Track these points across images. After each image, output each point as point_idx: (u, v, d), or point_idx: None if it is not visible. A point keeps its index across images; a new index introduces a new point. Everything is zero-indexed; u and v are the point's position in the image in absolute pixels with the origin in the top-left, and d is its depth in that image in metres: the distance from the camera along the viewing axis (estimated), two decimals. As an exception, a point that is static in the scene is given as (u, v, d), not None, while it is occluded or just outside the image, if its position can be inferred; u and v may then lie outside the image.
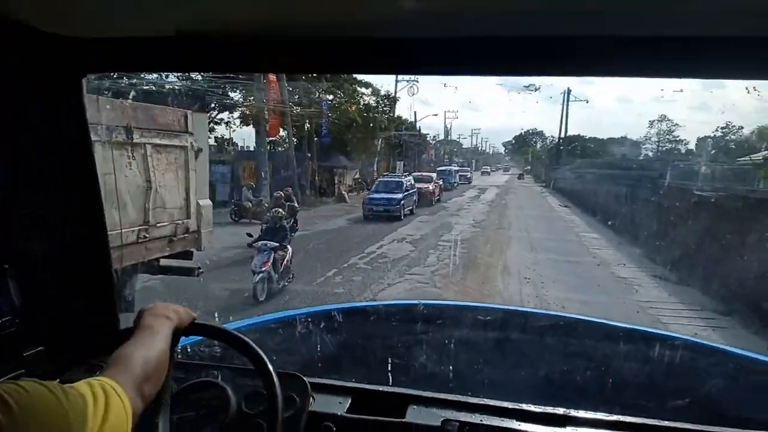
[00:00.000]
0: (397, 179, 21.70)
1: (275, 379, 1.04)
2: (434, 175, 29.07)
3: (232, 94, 24.00)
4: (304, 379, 1.22)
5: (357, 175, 30.37)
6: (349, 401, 1.31)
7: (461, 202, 26.81)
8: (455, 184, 36.73)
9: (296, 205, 15.63)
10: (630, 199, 17.05)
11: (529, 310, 2.89)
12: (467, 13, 0.97)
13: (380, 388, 1.39)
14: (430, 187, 25.02)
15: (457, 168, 44.28)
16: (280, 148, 27.16)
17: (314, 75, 24.09)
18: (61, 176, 1.34)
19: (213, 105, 28.24)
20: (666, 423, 1.24)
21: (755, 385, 1.81)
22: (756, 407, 1.61)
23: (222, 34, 1.11)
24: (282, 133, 24.12)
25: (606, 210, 18.80)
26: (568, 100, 44.12)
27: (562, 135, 46.72)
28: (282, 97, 22.15)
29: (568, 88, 44.05)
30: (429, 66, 1.18)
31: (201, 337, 1.37)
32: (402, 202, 19.47)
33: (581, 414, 1.25)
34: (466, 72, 1.22)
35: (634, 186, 17.17)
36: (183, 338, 1.07)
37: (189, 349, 1.57)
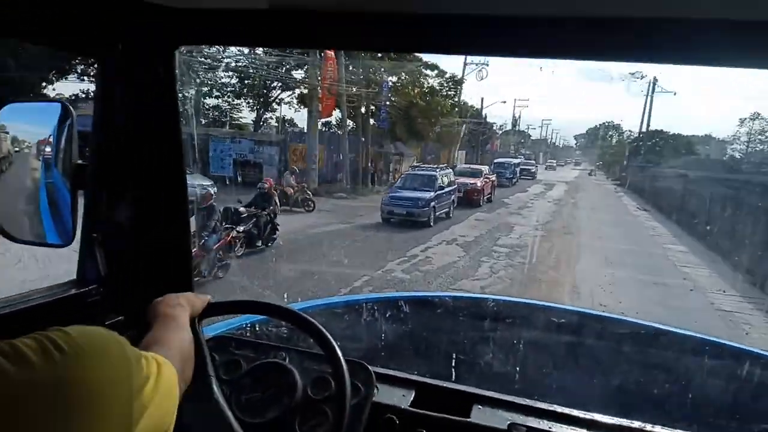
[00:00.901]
0: (429, 173, 16.84)
1: (345, 367, 1.03)
2: (485, 168, 23.69)
3: (294, 73, 23.14)
4: (370, 368, 1.19)
5: (414, 162, 28.63)
6: (413, 394, 1.29)
7: (524, 199, 24.39)
8: (514, 180, 32.33)
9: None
10: (723, 206, 14.58)
11: (606, 314, 2.55)
12: None
13: (445, 384, 1.35)
14: (478, 184, 20.13)
15: (518, 161, 38.46)
16: (336, 131, 25.93)
17: (388, 54, 22.83)
18: (149, 149, 1.34)
19: (274, 84, 27.69)
20: None
21: None
22: None
23: (315, 7, 1.11)
24: (337, 114, 22.71)
25: (694, 218, 16.29)
26: (653, 91, 40.27)
27: (644, 129, 42.81)
28: (339, 75, 20.80)
29: (654, 78, 40.19)
30: (505, 47, 1.13)
31: (267, 317, 1.52)
32: (433, 203, 14.99)
33: (658, 429, 1.19)
34: (539, 53, 1.12)
35: (730, 190, 14.63)
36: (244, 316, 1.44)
37: (257, 327, 1.65)
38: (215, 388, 1.04)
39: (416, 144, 30.83)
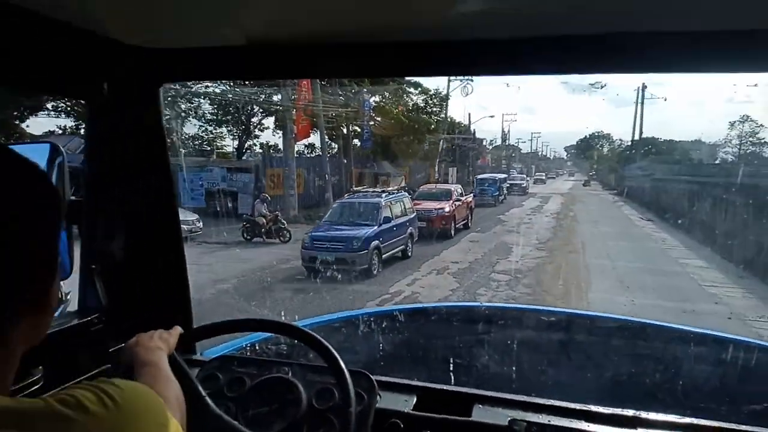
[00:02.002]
0: (370, 200, 12.61)
1: (348, 375, 1.07)
2: (455, 187, 18.70)
3: (273, 98, 21.89)
4: (371, 376, 1.21)
5: (402, 183, 27.21)
6: (415, 399, 1.30)
7: (519, 214, 22.92)
8: (501, 198, 28.24)
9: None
10: (732, 211, 13.24)
11: (594, 313, 2.56)
12: (533, 13, 0.99)
13: (445, 387, 1.39)
14: (446, 209, 15.72)
15: (503, 176, 33.63)
16: (318, 154, 24.53)
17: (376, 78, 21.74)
18: (140, 182, 1.40)
19: (254, 110, 26.47)
20: (740, 427, 1.20)
21: None
22: None
23: (290, 41, 1.18)
24: (314, 137, 21.30)
25: (704, 226, 14.88)
26: (643, 98, 39.33)
27: (636, 137, 41.72)
28: (314, 96, 19.50)
29: (644, 84, 39.26)
30: (492, 66, 1.20)
31: (269, 334, 1.57)
32: (374, 242, 10.84)
33: (652, 416, 1.22)
34: (524, 71, 1.24)
35: (734, 194, 13.30)
36: (254, 334, 1.47)
37: (257, 347, 1.67)
38: (210, 402, 1.08)
39: (403, 163, 29.49)
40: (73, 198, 1.22)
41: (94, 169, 1.37)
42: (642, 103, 39.56)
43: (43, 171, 0.63)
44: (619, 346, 2.03)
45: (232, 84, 20.93)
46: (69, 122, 20.94)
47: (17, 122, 18.03)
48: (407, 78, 28.65)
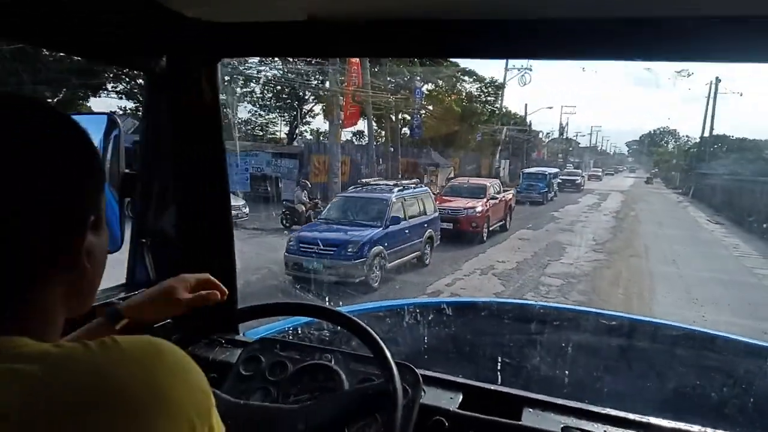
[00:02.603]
0: (379, 195, 10.33)
1: (394, 367, 1.01)
2: (492, 183, 16.16)
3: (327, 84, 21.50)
4: (416, 371, 1.16)
5: (451, 174, 26.33)
6: (461, 397, 1.24)
7: (575, 211, 21.58)
8: (551, 195, 24.95)
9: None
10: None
11: (657, 320, 2.38)
12: None
13: (492, 387, 1.30)
14: (478, 209, 13.18)
15: (555, 171, 29.22)
16: (363, 142, 24.00)
17: (421, 60, 20.97)
18: (194, 158, 1.40)
19: (306, 96, 26.23)
20: None
21: None
22: None
23: (351, 17, 1.16)
24: (363, 124, 20.71)
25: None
26: (716, 92, 36.52)
27: (706, 134, 38.88)
28: (364, 81, 18.91)
29: (717, 78, 36.47)
30: (551, 49, 1.13)
31: (310, 319, 1.57)
32: (377, 248, 8.75)
33: None
34: (581, 56, 1.14)
35: None
36: (295, 318, 1.54)
37: (299, 331, 1.66)
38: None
39: (453, 154, 28.57)
40: (127, 171, 1.21)
41: (149, 142, 1.39)
42: (714, 97, 36.80)
43: (83, 131, 0.61)
44: (684, 356, 1.91)
45: (284, 68, 20.84)
46: (129, 104, 21.27)
47: (80, 101, 18.44)
48: (462, 64, 27.75)
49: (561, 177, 30.97)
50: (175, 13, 1.18)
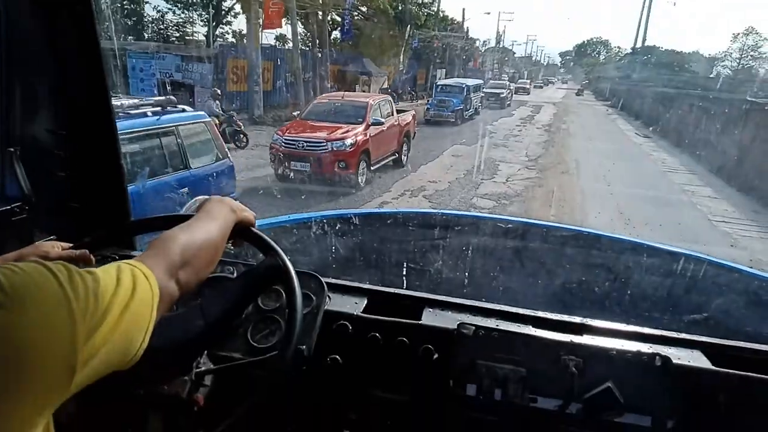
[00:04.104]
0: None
1: (294, 275, 1.01)
2: (375, 100, 10.87)
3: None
4: (320, 278, 1.21)
5: (385, 84, 24.94)
6: (365, 302, 1.29)
7: (510, 124, 21.08)
8: (468, 113, 20.77)
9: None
10: (746, 136, 11.83)
11: (548, 223, 2.57)
12: None
13: (395, 291, 1.37)
14: (348, 140, 9.09)
15: (476, 82, 23.42)
16: (288, 46, 21.87)
17: None
18: (66, 55, 1.29)
19: None
20: (681, 335, 1.22)
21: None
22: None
23: None
24: (286, 25, 18.65)
25: (710, 148, 13.54)
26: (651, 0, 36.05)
27: (639, 44, 38.93)
28: (286, -26, 16.73)
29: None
30: None
31: None
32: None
33: (598, 323, 1.23)
34: None
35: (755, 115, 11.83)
36: None
37: None
38: (291, 267, 1.04)
39: (387, 62, 26.95)
40: None
41: (3, 41, 1.21)
42: (649, 7, 36.42)
43: None
44: (570, 254, 2.03)
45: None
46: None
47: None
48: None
49: (485, 90, 26.85)
50: None
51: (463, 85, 20.73)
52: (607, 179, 11.25)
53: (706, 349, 1.18)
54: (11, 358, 0.49)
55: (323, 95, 12.93)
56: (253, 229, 1.04)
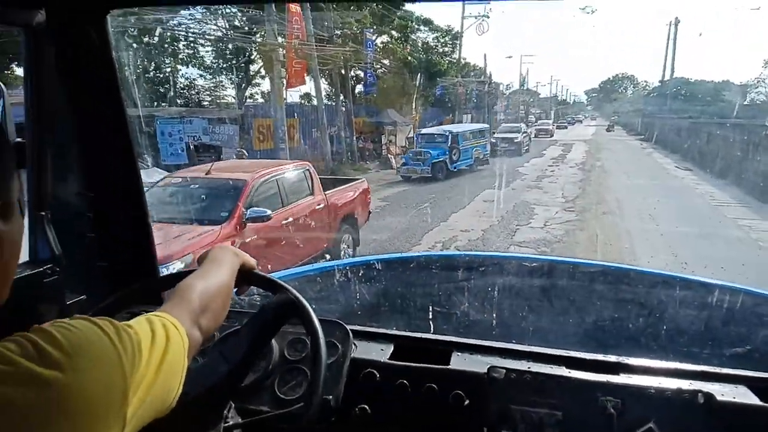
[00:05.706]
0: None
1: (317, 325, 1.01)
2: (250, 177, 6.09)
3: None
4: (345, 326, 1.20)
5: (411, 133, 24.85)
6: (392, 348, 1.27)
7: (541, 165, 20.49)
8: (457, 167, 17.38)
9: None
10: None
11: (574, 260, 2.45)
12: None
13: (422, 335, 1.33)
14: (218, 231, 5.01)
15: (478, 127, 20.83)
16: (313, 102, 22.12)
17: (369, 5, 18.64)
18: (92, 120, 1.32)
19: (254, 55, 23.93)
20: (723, 370, 1.16)
21: None
22: None
23: None
24: (312, 85, 18.85)
25: (759, 178, 12.58)
26: (676, 32, 35.69)
27: (667, 77, 38.26)
28: (307, 33, 17.01)
29: (677, 18, 35.61)
30: None
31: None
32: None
33: (634, 361, 1.16)
34: None
35: None
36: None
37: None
38: (307, 306, 1.04)
39: (411, 111, 27.01)
40: (18, 140, 1.13)
41: (35, 107, 1.24)
42: (675, 36, 35.98)
43: None
44: (600, 291, 1.97)
45: (227, 27, 18.76)
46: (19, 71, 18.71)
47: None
48: (416, 12, 25.86)
49: (497, 135, 23.92)
50: None
51: (446, 133, 17.62)
52: (654, 218, 10.48)
53: (751, 383, 1.12)
54: (72, 417, 0.50)
55: (177, 171, 8.49)
56: (256, 271, 1.04)
